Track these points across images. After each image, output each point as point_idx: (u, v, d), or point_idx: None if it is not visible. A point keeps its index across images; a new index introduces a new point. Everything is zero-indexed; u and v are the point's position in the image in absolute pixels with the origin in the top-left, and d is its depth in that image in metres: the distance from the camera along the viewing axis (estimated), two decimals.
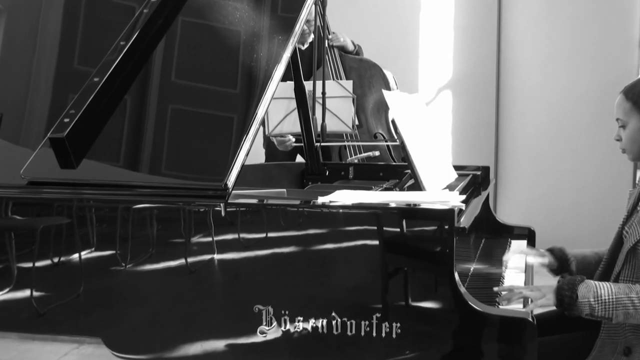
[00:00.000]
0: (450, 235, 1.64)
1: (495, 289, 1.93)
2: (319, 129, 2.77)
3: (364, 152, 3.63)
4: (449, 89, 5.30)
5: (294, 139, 3.26)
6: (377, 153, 3.58)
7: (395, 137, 3.77)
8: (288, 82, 2.80)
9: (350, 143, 3.62)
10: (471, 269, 2.15)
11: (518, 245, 2.61)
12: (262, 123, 2.91)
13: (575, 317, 1.82)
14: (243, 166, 1.77)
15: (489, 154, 5.20)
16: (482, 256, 2.37)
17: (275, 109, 3.04)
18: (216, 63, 2.05)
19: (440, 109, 5.29)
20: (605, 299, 1.76)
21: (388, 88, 3.77)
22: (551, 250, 2.22)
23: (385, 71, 3.83)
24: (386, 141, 3.73)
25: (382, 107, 3.80)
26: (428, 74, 5.31)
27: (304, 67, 2.78)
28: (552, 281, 1.92)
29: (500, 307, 1.85)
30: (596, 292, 1.78)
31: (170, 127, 1.94)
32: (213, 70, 2.03)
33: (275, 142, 3.49)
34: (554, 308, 1.85)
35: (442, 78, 5.30)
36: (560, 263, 2.19)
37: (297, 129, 2.93)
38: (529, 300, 1.85)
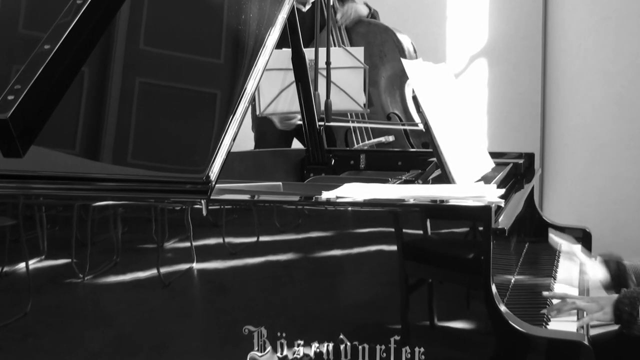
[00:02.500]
0: (486, 238, 1.64)
1: (545, 293, 1.93)
2: (322, 107, 2.76)
3: (375, 138, 3.63)
4: (483, 57, 5.29)
5: (299, 117, 3.26)
6: (391, 138, 3.57)
7: (417, 117, 3.76)
8: (284, 49, 2.79)
9: (360, 124, 3.61)
10: (512, 281, 2.14)
11: (570, 250, 2.60)
12: (252, 100, 2.91)
13: (635, 337, 1.81)
14: (229, 154, 1.77)
15: (533, 137, 5.20)
16: (525, 264, 2.36)
17: (269, 83, 3.03)
18: (195, 26, 2.04)
19: (473, 82, 5.28)
20: None
21: (404, 57, 3.76)
22: (606, 263, 2.22)
23: (399, 35, 3.81)
24: (403, 123, 3.72)
25: (397, 82, 3.80)
26: (457, 39, 5.30)
27: (304, 33, 2.77)
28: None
29: (549, 324, 1.85)
30: None
31: (138, 106, 1.93)
32: (191, 35, 2.02)
33: (276, 118, 3.47)
34: (615, 327, 1.84)
35: (475, 44, 5.29)
36: (616, 281, 2.19)
37: (295, 107, 2.92)
38: (584, 313, 1.85)
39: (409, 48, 3.84)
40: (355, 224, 1.70)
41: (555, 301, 1.89)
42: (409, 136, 3.73)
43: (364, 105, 3.12)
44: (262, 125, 3.73)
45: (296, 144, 3.82)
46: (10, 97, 1.85)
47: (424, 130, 2.08)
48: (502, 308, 1.65)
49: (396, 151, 3.25)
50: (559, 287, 2.24)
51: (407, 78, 3.79)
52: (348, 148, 3.64)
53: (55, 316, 1.83)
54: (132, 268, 1.78)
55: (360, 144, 3.66)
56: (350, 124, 3.61)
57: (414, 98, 2.05)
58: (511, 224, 2.00)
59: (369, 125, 3.64)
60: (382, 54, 3.75)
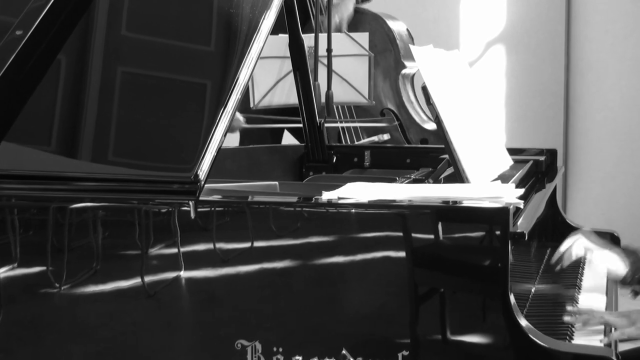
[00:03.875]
0: (503, 243, 1.64)
1: (569, 311, 1.93)
2: (322, 99, 2.76)
3: (369, 137, 3.64)
4: (501, 44, 5.29)
5: (242, 119, 3.25)
6: (385, 137, 3.59)
7: (427, 110, 3.77)
8: (281, 35, 2.79)
9: (357, 123, 3.62)
10: (532, 290, 2.15)
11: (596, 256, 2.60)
12: (246, 92, 2.91)
13: None
14: (220, 150, 1.77)
15: (555, 132, 5.20)
16: (547, 272, 2.36)
17: (264, 72, 3.04)
18: (182, 10, 2.05)
19: (489, 71, 5.28)
20: None
21: (395, 48, 3.77)
22: (625, 253, 2.20)
23: (390, 23, 3.82)
24: (398, 120, 3.74)
25: (390, 75, 3.81)
26: (472, 24, 5.30)
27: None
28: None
29: (574, 338, 1.85)
30: None
31: (120, 98, 1.93)
32: (178, 20, 2.02)
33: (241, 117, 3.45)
34: None
35: (492, 29, 5.28)
36: (635, 272, 2.18)
37: (293, 99, 2.92)
38: (611, 328, 1.85)
39: (402, 35, 3.85)
40: (359, 227, 1.70)
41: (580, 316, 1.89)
42: (406, 132, 3.75)
43: (369, 96, 3.13)
44: (251, 118, 3.72)
45: (287, 139, 3.82)
46: None
47: (428, 126, 2.08)
48: (522, 321, 1.65)
49: (405, 147, 3.26)
50: (585, 297, 2.24)
51: (401, 69, 3.82)
52: (350, 144, 3.65)
53: (28, 330, 1.83)
54: (113, 276, 1.78)
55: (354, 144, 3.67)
56: (338, 124, 3.62)
57: (424, 89, 2.05)
58: (531, 227, 2.01)
59: (365, 124, 3.65)
60: (373, 44, 3.76)
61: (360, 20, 3.84)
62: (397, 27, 3.86)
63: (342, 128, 3.69)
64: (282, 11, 2.42)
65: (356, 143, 3.63)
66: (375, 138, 3.62)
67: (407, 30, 3.91)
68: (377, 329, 1.68)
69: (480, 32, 5.30)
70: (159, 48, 2.00)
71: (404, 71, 3.85)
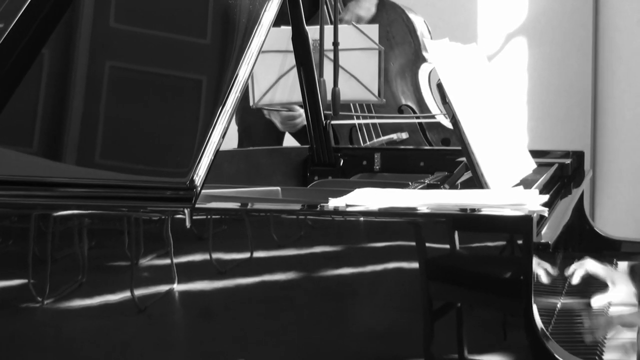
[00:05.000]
0: (526, 254, 1.64)
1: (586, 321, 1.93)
2: (328, 96, 2.77)
3: (385, 135, 3.63)
4: (522, 36, 5.29)
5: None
6: (404, 135, 3.58)
7: (439, 109, 3.77)
8: (283, 27, 2.79)
9: (371, 119, 3.62)
10: (558, 305, 2.14)
11: (625, 268, 2.60)
12: (246, 89, 2.91)
13: None
14: (217, 153, 1.77)
15: (582, 132, 5.19)
16: (574, 285, 2.36)
17: (265, 67, 3.04)
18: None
19: (510, 65, 5.27)
20: None
21: (415, 40, 3.77)
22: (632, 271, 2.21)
23: (410, 14, 3.82)
24: (418, 116, 3.73)
25: (409, 69, 3.80)
26: (491, 14, 5.30)
27: (307, 7, 2.78)
28: None
29: (604, 357, 1.85)
30: None
31: (108, 95, 1.94)
32: (172, 10, 2.03)
33: (277, 120, 3.48)
34: None
35: (513, 19, 5.28)
36: None
37: (296, 97, 2.92)
38: None
39: (422, 30, 3.84)
40: (369, 237, 1.70)
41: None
42: (425, 131, 3.74)
43: (379, 94, 3.12)
44: (246, 116, 3.72)
45: (289, 141, 3.82)
46: None
47: (451, 125, 2.08)
48: (547, 339, 1.64)
49: (418, 149, 3.26)
50: (616, 311, 2.24)
51: (421, 63, 3.81)
52: (359, 146, 3.64)
53: (8, 348, 1.83)
54: (101, 290, 1.78)
55: (368, 143, 3.66)
56: (355, 121, 3.61)
57: (439, 86, 2.05)
58: (557, 237, 2.01)
59: (377, 121, 3.64)
60: (390, 35, 3.76)
61: (377, 8, 3.83)
62: (417, 19, 3.86)
63: (356, 124, 3.67)
64: (285, 1, 2.43)
65: (367, 144, 3.62)
66: (393, 136, 3.60)
67: (425, 22, 3.90)
68: (387, 347, 1.68)
69: (500, 23, 5.30)
70: (151, 41, 2.00)
71: (423, 65, 3.85)
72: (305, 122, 3.20)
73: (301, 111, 3.27)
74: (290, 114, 3.37)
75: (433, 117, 3.70)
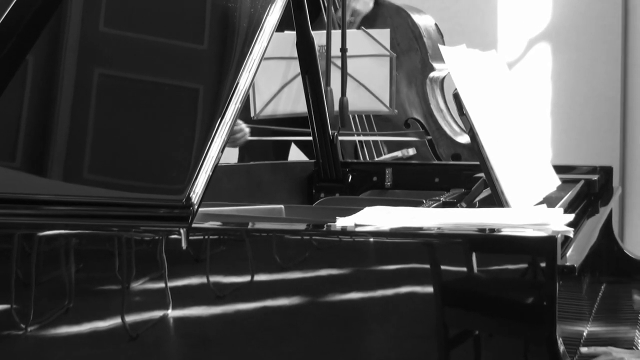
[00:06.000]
0: (550, 278, 1.64)
1: (584, 349, 1.92)
2: (336, 107, 2.77)
3: (391, 152, 3.64)
4: (546, 41, 5.30)
5: (247, 130, 3.26)
6: (411, 151, 3.59)
7: (456, 121, 3.77)
8: (287, 32, 2.80)
9: (378, 137, 3.62)
10: (584, 333, 2.14)
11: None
12: (247, 99, 2.92)
13: None
14: (216, 168, 1.77)
15: (611, 146, 5.19)
16: (601, 312, 2.36)
17: (267, 75, 3.05)
18: (170, 2, 2.05)
19: (533, 74, 5.28)
20: None
21: (421, 47, 3.77)
22: None
23: (416, 17, 3.82)
24: (426, 131, 3.73)
25: (416, 78, 3.81)
26: (512, 18, 5.31)
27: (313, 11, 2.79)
28: None
29: None
30: None
31: (97, 106, 1.94)
32: (166, 14, 2.03)
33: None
34: None
35: (535, 24, 5.29)
36: None
37: (301, 107, 2.93)
38: None
39: (429, 32, 3.85)
40: (380, 259, 1.70)
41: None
42: (435, 147, 3.75)
43: (391, 104, 3.13)
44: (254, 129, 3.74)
45: (295, 154, 3.83)
46: None
47: (468, 137, 2.08)
48: None
49: (432, 164, 3.26)
50: None
51: (428, 72, 3.81)
52: (369, 161, 3.65)
53: None
54: (89, 316, 1.78)
55: (373, 160, 3.67)
56: (355, 137, 3.62)
57: (456, 96, 2.05)
58: (583, 259, 2.00)
59: (379, 138, 3.65)
60: (395, 42, 3.76)
61: (379, 13, 3.84)
62: (424, 22, 3.86)
63: (360, 141, 3.69)
64: (289, 4, 2.43)
65: (376, 159, 3.63)
66: (398, 153, 3.62)
67: (436, 25, 3.91)
68: None
69: (521, 28, 5.31)
70: (144, 46, 2.01)
71: (432, 74, 3.86)
72: (246, 138, 3.22)
73: (243, 126, 3.27)
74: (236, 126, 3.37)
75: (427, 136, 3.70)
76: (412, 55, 3.80)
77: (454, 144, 3.72)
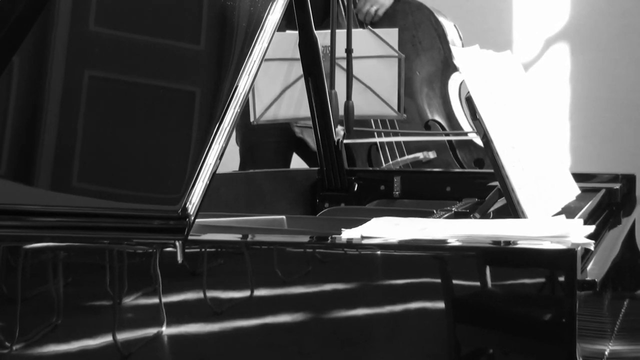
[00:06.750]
0: (569, 293, 1.63)
1: None
2: (341, 111, 2.77)
3: (410, 154, 3.63)
4: (563, 42, 5.30)
5: (342, 132, 3.26)
6: (431, 155, 3.58)
7: (471, 125, 3.76)
8: (289, 32, 2.80)
9: (389, 138, 3.62)
10: (606, 352, 2.13)
11: None
12: (246, 103, 2.92)
13: None
14: (214, 177, 1.77)
15: (634, 152, 5.19)
16: (624, 329, 2.35)
17: (268, 78, 3.05)
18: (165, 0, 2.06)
19: (550, 76, 5.28)
20: None
21: (444, 46, 3.78)
22: None
23: (440, 17, 3.83)
24: (447, 133, 3.73)
25: (437, 78, 3.81)
26: (529, 17, 5.31)
27: (316, 11, 2.78)
28: None
29: None
30: None
31: (87, 110, 1.95)
32: (160, 13, 2.03)
33: (311, 139, 3.41)
34: None
35: (553, 23, 5.30)
36: None
37: (303, 112, 2.93)
38: None
39: (451, 33, 3.85)
40: (388, 273, 1.70)
41: None
42: (455, 151, 3.74)
43: (399, 108, 3.13)
44: (249, 135, 3.73)
45: (297, 162, 3.82)
46: None
47: (482, 143, 2.08)
48: None
49: (443, 172, 3.26)
50: None
51: (451, 73, 3.81)
52: (376, 168, 3.65)
53: None
54: (78, 333, 1.78)
55: (390, 162, 3.66)
56: (376, 139, 3.61)
57: (469, 100, 2.05)
58: (604, 273, 2.00)
59: (400, 139, 3.64)
60: (416, 40, 3.77)
61: (399, 9, 3.84)
62: (447, 24, 3.87)
63: (376, 142, 3.68)
64: (291, 2, 2.43)
65: (389, 164, 3.62)
66: (419, 155, 3.61)
67: (455, 27, 3.91)
68: None
69: (538, 27, 5.32)
70: (137, 47, 2.01)
71: (454, 75, 3.85)
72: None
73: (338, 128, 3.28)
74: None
75: (465, 134, 3.70)
76: (434, 54, 3.80)
77: (476, 149, 3.71)
